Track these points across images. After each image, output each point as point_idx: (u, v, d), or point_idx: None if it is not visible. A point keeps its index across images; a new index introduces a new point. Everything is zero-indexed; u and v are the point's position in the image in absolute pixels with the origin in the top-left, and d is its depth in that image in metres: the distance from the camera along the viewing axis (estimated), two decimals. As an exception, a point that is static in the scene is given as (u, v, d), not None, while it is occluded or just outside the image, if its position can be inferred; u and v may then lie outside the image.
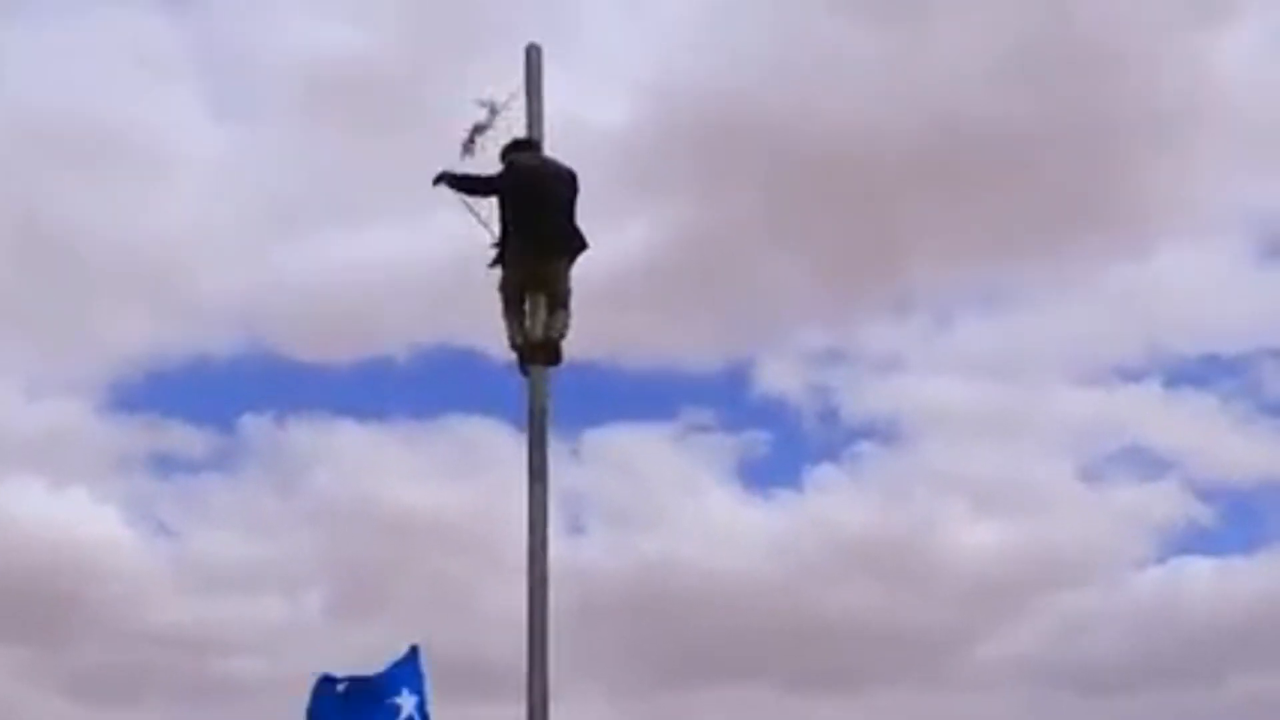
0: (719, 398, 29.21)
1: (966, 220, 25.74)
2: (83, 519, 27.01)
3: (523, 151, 9.53)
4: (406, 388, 28.19)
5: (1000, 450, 28.66)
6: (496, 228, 9.42)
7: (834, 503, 28.51)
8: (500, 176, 9.48)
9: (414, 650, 9.54)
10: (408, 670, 9.45)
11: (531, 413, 9.09)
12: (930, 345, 29.12)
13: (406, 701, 9.32)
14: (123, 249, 26.66)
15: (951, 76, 23.85)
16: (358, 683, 9.42)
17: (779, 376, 28.62)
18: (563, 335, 9.27)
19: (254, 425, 28.25)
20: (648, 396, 28.43)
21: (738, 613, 26.19)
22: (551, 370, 9.24)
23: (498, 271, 9.40)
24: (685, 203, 25.38)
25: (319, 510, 27.62)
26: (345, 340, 26.92)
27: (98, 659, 26.02)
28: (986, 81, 23.86)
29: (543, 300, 9.32)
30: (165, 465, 29.11)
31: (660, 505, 28.79)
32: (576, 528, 27.01)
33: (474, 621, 23.21)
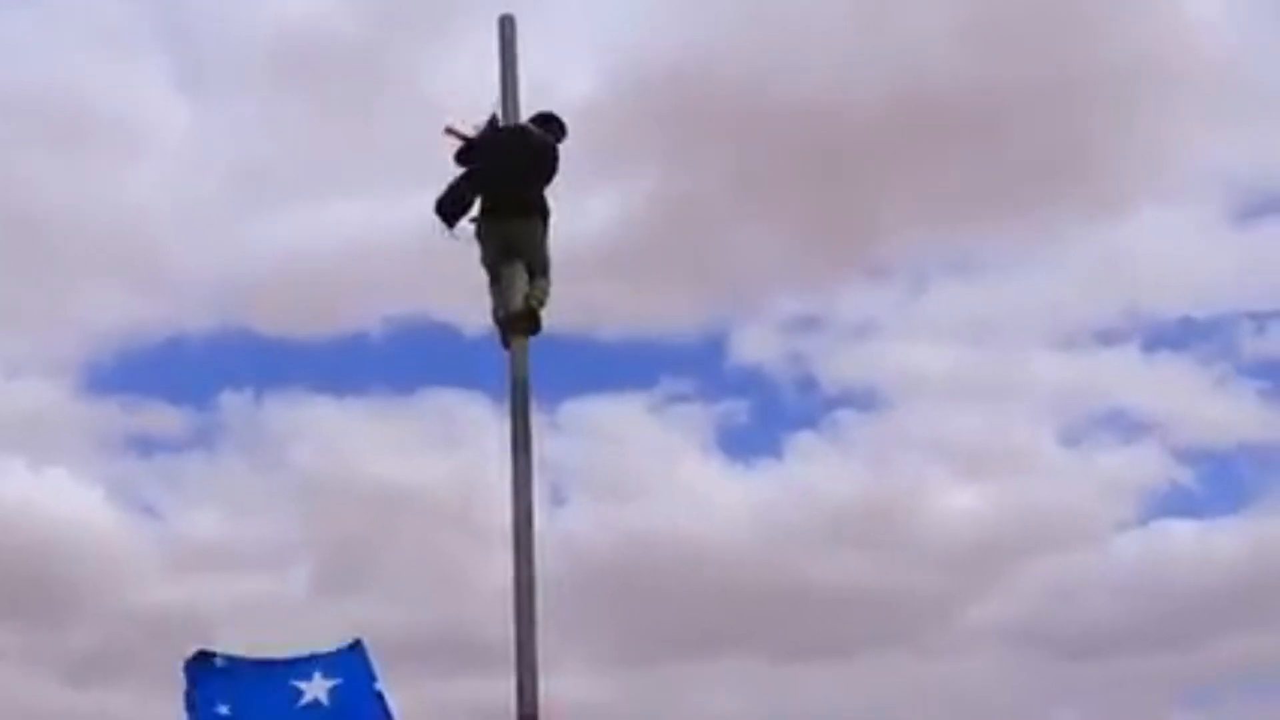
0: (696, 367, 29.21)
1: (939, 185, 25.74)
2: (65, 500, 26.90)
3: (548, 123, 9.49)
4: (382, 362, 28.11)
5: (980, 415, 28.73)
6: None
7: (815, 470, 28.53)
8: (477, 151, 9.43)
9: (356, 643, 9.32)
10: (338, 658, 9.21)
11: (514, 384, 9.00)
12: (906, 311, 29.14)
13: (317, 686, 9.05)
14: (93, 226, 26.53)
15: (920, 39, 23.86)
16: (241, 661, 9.18)
17: (755, 345, 28.63)
18: (542, 303, 9.19)
19: (232, 403, 28.15)
20: (624, 367, 28.41)
21: (722, 583, 26.19)
22: (530, 341, 9.17)
23: (474, 248, 9.33)
24: (656, 172, 25.36)
25: (301, 487, 27.54)
26: (319, 315, 26.82)
27: (85, 640, 25.93)
28: (956, 43, 23.88)
29: (520, 268, 9.24)
30: (145, 445, 28.99)
31: (641, 475, 28.77)
32: (558, 499, 26.95)
33: (460, 594, 23.24)
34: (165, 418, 28.18)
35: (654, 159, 25.17)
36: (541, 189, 9.39)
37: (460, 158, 9.49)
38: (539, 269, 9.32)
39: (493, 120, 9.46)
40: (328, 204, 27.14)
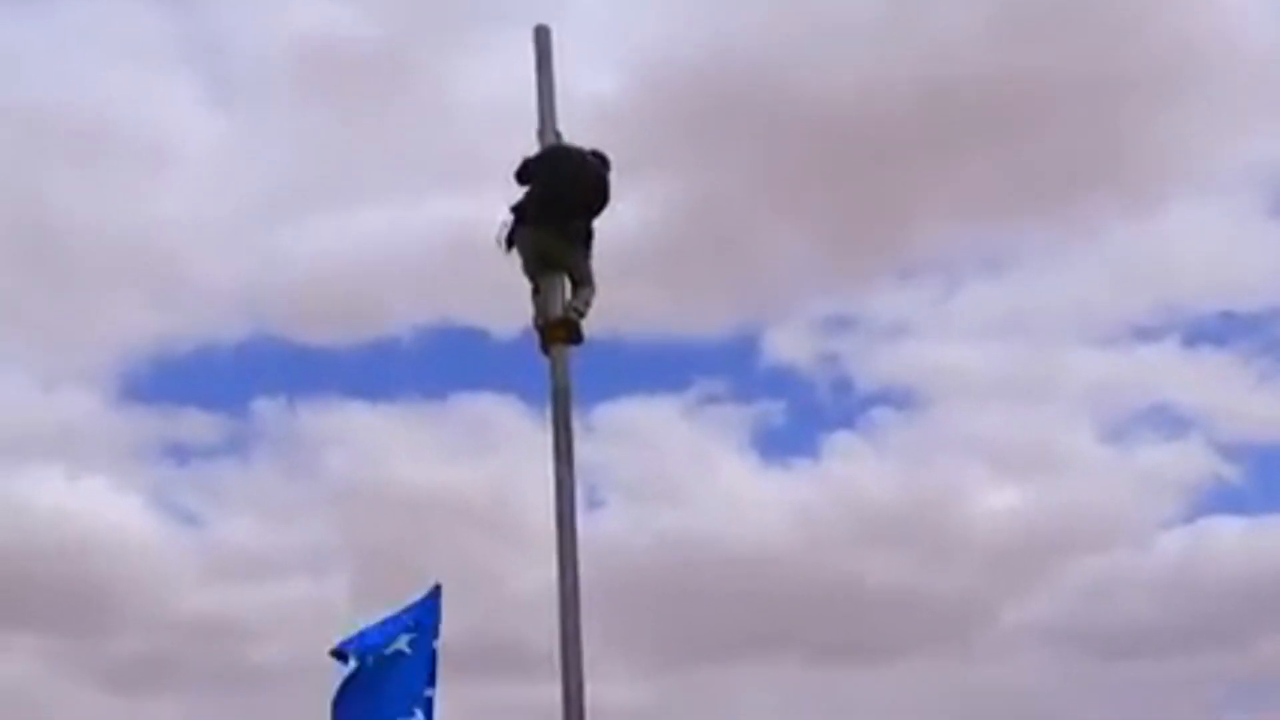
0: (729, 368, 29.13)
1: (970, 182, 25.62)
2: (103, 508, 27.03)
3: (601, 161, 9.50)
4: (413, 367, 28.16)
5: (1018, 413, 28.55)
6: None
7: (853, 470, 28.38)
8: (534, 160, 9.46)
9: (435, 589, 9.58)
10: (415, 607, 9.44)
11: (555, 393, 8.96)
12: (940, 310, 28.99)
13: (402, 638, 9.29)
14: (125, 239, 26.66)
15: (949, 36, 23.71)
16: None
17: (788, 345, 28.52)
18: (583, 313, 9.16)
19: (266, 410, 28.24)
20: (658, 369, 28.36)
21: (761, 584, 26.08)
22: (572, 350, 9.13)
23: (501, 252, 9.31)
24: (685, 173, 25.27)
25: (336, 492, 27.57)
26: (350, 322, 26.89)
27: (127, 648, 26.01)
28: (988, 38, 23.72)
29: (563, 278, 9.22)
30: (181, 453, 29.15)
31: (678, 478, 28.69)
32: (595, 502, 26.90)
33: (498, 599, 23.19)
34: (200, 425, 28.31)
35: (683, 160, 25.11)
36: (591, 220, 9.39)
37: (520, 176, 9.46)
38: (581, 279, 9.29)
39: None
40: (356, 211, 27.23)
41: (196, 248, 27.37)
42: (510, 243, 9.32)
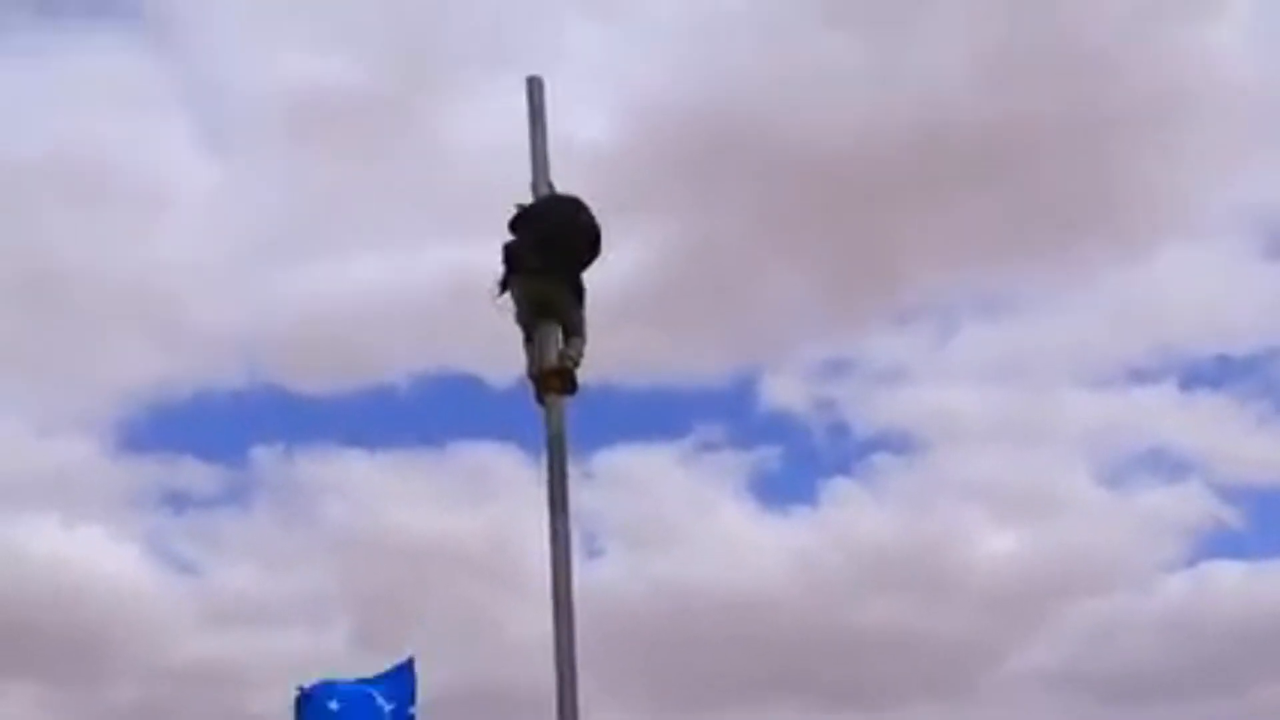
0: (726, 414, 29.09)
1: (964, 226, 25.67)
2: (100, 556, 26.95)
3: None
4: (411, 415, 28.13)
5: (1017, 456, 28.49)
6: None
7: (851, 516, 28.34)
8: (528, 208, 9.46)
9: (409, 662, 9.75)
10: (390, 680, 9.60)
11: (550, 442, 8.92)
12: (936, 353, 29.00)
13: (384, 706, 9.47)
14: (120, 284, 26.68)
15: (941, 82, 23.85)
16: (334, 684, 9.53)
17: (785, 391, 28.50)
18: (577, 364, 9.13)
19: (264, 458, 28.20)
20: (654, 416, 28.32)
21: (760, 630, 26.00)
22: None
23: (505, 301, 9.27)
24: (679, 219, 25.33)
25: (335, 540, 27.50)
26: (347, 368, 26.89)
27: (124, 695, 25.86)
28: (978, 81, 23.87)
29: (556, 328, 9.19)
30: (178, 501, 29.06)
31: (676, 525, 28.63)
32: (593, 550, 26.84)
33: (497, 647, 23.10)
34: (198, 474, 28.28)
35: (678, 203, 25.19)
36: (582, 270, 9.37)
37: (514, 226, 9.43)
38: (573, 329, 9.26)
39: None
40: (352, 257, 27.26)
41: (194, 293, 27.42)
42: (503, 288, 9.28)
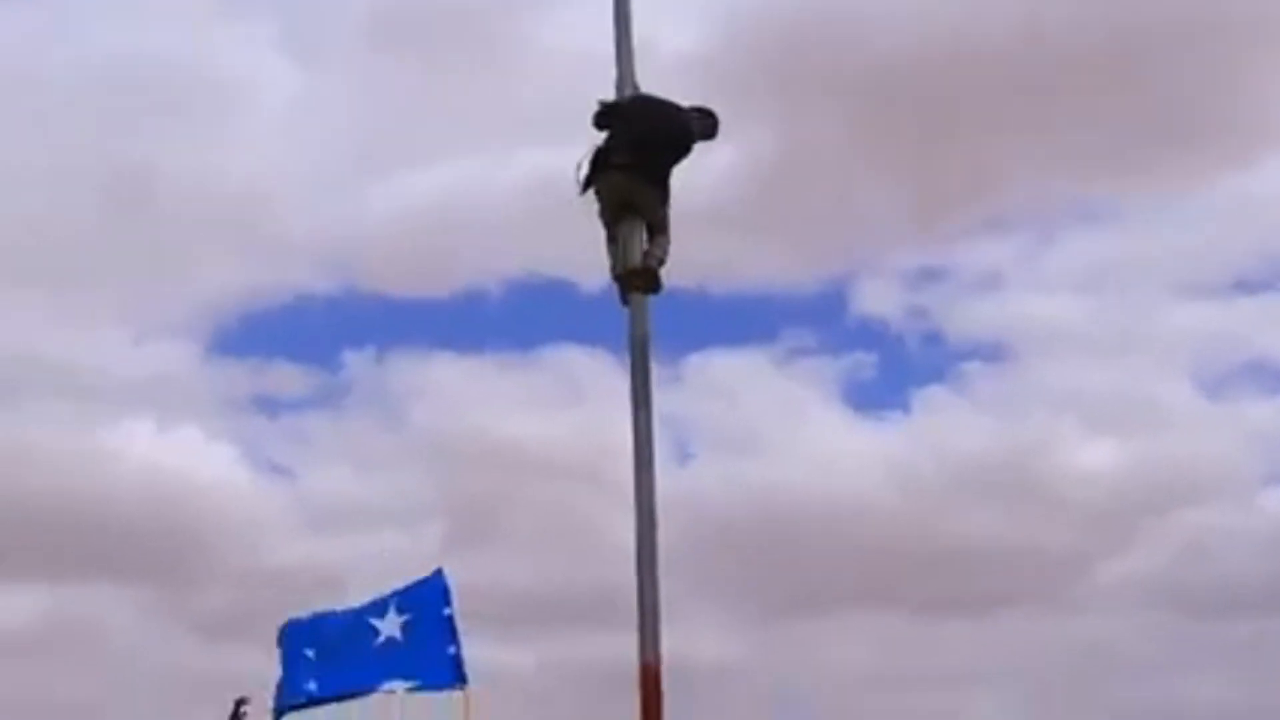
0: (818, 320, 29.02)
1: (1064, 133, 25.20)
2: (196, 460, 27.47)
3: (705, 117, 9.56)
4: (501, 319, 28.31)
5: (1114, 367, 28.19)
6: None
7: (945, 424, 28.20)
8: (615, 106, 9.45)
9: (436, 572, 9.84)
10: (414, 591, 9.73)
11: (633, 341, 9.01)
12: (1033, 262, 28.66)
13: (390, 623, 9.58)
14: (212, 193, 26.96)
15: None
16: (327, 614, 9.72)
17: (877, 298, 28.33)
18: (661, 262, 9.17)
19: (355, 362, 28.53)
20: (746, 321, 28.27)
21: (854, 538, 26.04)
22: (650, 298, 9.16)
23: (590, 201, 9.31)
24: (770, 127, 25.01)
25: (427, 444, 27.82)
26: (437, 273, 27.06)
27: (220, 599, 26.41)
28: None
29: (640, 227, 9.22)
30: (271, 405, 29.50)
31: (768, 429, 28.64)
32: (684, 456, 26.95)
33: (588, 549, 23.34)
34: (291, 378, 28.65)
35: (771, 113, 24.90)
36: (669, 168, 9.36)
37: (599, 122, 9.44)
38: (658, 228, 9.28)
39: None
40: (441, 163, 27.34)
41: (286, 199, 27.67)
42: (588, 185, 9.29)
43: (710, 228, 22.74)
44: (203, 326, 28.85)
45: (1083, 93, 24.20)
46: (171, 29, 27.13)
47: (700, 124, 9.53)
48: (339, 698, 9.69)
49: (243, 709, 10.34)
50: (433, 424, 28.07)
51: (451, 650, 9.68)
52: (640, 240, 9.20)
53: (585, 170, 9.28)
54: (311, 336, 29.09)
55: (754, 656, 25.97)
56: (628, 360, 9.02)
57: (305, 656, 9.58)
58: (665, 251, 9.22)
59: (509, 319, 28.30)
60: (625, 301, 9.12)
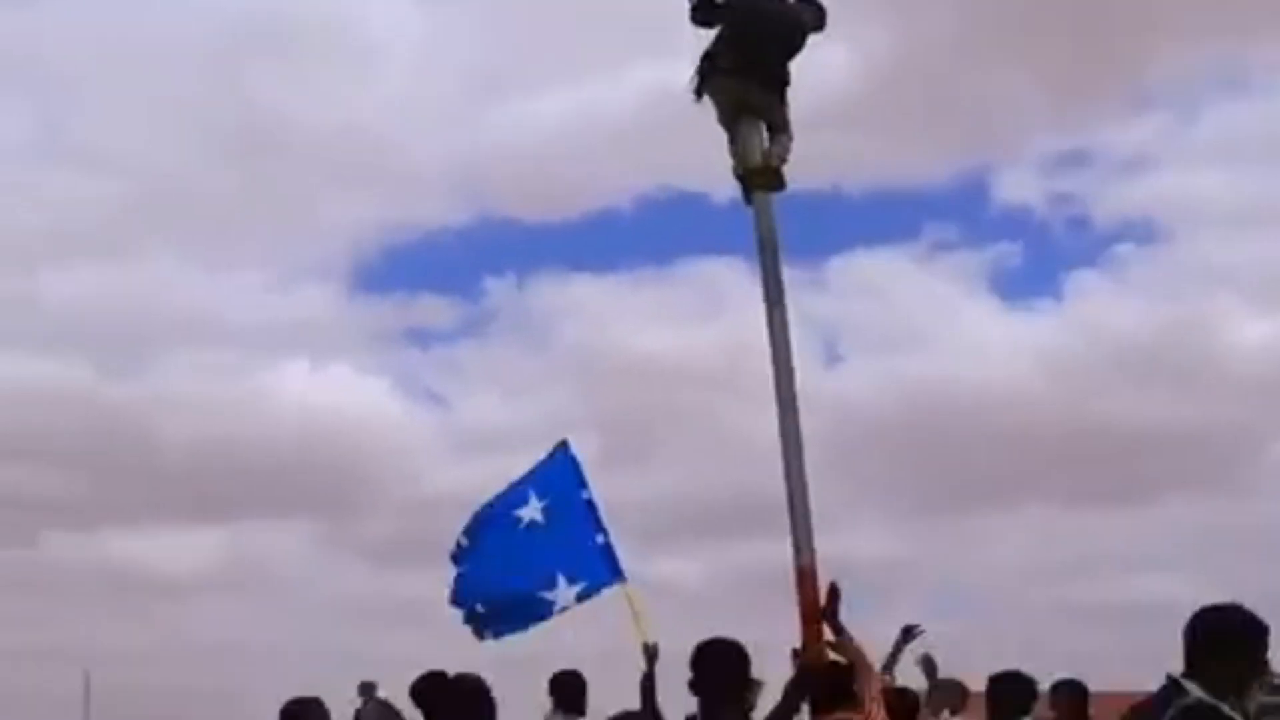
0: (958, 214, 28.85)
1: (1195, 7, 24.40)
2: (350, 395, 28.22)
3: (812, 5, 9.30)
4: (635, 236, 28.43)
5: (1268, 239, 27.49)
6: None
7: (1099, 308, 27.85)
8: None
9: (563, 446, 9.58)
10: (548, 471, 9.48)
11: (760, 241, 8.95)
12: (1178, 139, 28.08)
13: (532, 509, 9.32)
14: (342, 135, 27.49)
15: None
16: (473, 522, 9.52)
17: (1018, 187, 28.04)
18: (784, 160, 9.08)
19: (496, 289, 28.96)
20: (884, 219, 28.15)
21: (1011, 429, 25.81)
22: (776, 196, 9.09)
23: (709, 108, 9.23)
24: (896, 19, 24.73)
25: (572, 364, 28.21)
26: (567, 196, 27.25)
27: (384, 528, 27.04)
28: None
29: (759, 126, 9.11)
30: (420, 337, 30.27)
31: (916, 326, 28.53)
32: (834, 357, 27.02)
33: (740, 457, 23.45)
34: (435, 309, 29.16)
35: (886, 6, 24.53)
36: (783, 64, 9.18)
37: (696, 16, 9.25)
38: (779, 125, 9.16)
39: None
40: (560, 87, 27.40)
41: (410, 136, 28.14)
42: (700, 93, 9.19)
43: (839, 128, 22.62)
44: (344, 265, 29.43)
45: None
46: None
47: (810, 13, 9.37)
48: (511, 609, 9.50)
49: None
50: (577, 343, 28.48)
51: (600, 539, 9.35)
52: (761, 139, 9.10)
53: (695, 77, 9.18)
54: (451, 267, 29.54)
55: (917, 551, 26.01)
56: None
57: (460, 545, 9.52)
58: (787, 149, 9.10)
59: (642, 235, 28.40)
60: (749, 201, 9.06)
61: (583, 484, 9.48)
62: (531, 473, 9.59)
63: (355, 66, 27.85)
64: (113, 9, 28.45)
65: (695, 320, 28.01)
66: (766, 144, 9.12)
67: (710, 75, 9.15)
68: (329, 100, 27.65)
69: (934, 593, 26.14)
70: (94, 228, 28.49)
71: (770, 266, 8.91)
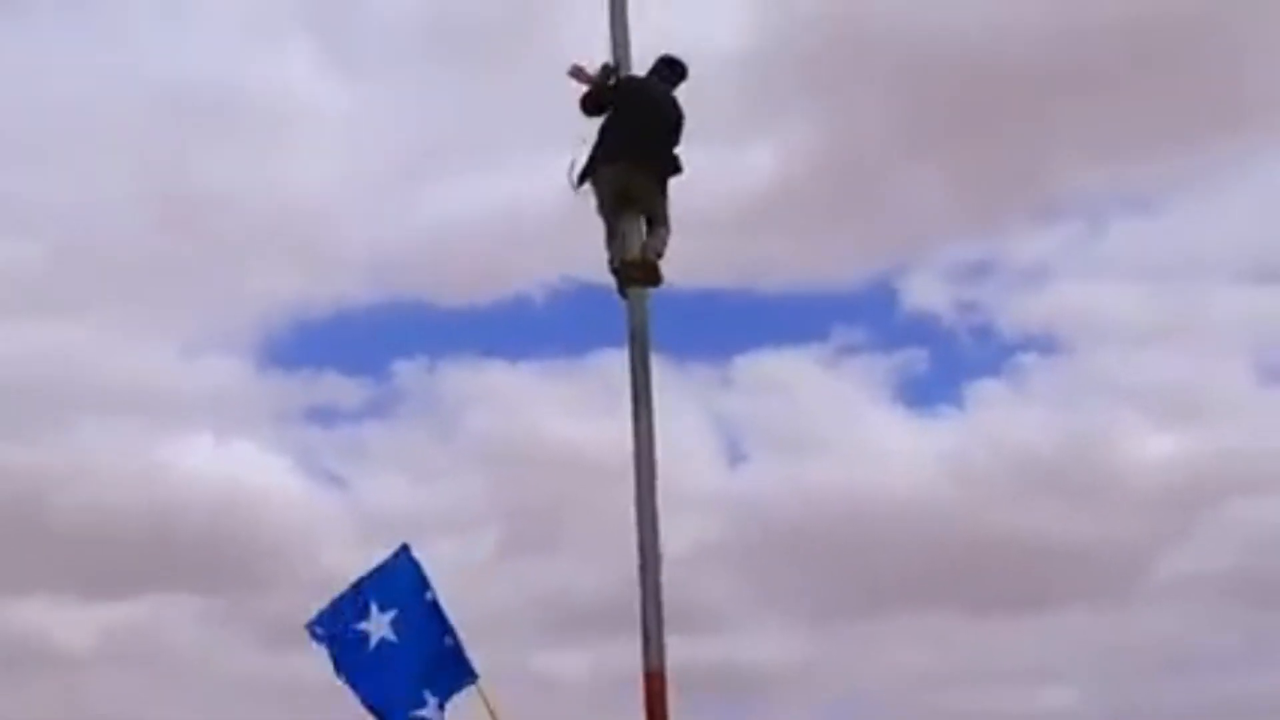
0: (867, 317, 28.71)
1: (1108, 121, 24.75)
2: (253, 472, 27.60)
3: (671, 66, 9.39)
4: (548, 324, 28.24)
5: (1170, 355, 27.66)
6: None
7: (1001, 418, 27.82)
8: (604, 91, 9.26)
9: (402, 549, 9.26)
10: (387, 578, 9.14)
11: (632, 336, 8.84)
12: (1083, 251, 28.19)
13: (377, 624, 9.00)
14: (259, 208, 27.20)
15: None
16: (319, 620, 9.14)
17: (927, 292, 28.01)
18: (659, 254, 9.00)
19: (406, 372, 28.61)
20: (794, 319, 28.03)
21: (912, 536, 25.77)
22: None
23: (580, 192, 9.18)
24: (813, 121, 24.82)
25: (480, 451, 27.84)
26: (483, 282, 27.11)
27: (279, 606, 26.48)
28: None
29: (638, 218, 9.06)
30: (325, 416, 29.61)
31: (821, 428, 28.41)
32: (737, 455, 26.82)
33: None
34: (343, 389, 28.79)
35: (811, 107, 24.70)
36: (672, 147, 9.21)
37: (585, 106, 9.27)
38: (658, 219, 9.11)
39: (605, 68, 9.28)
40: (481, 173, 27.32)
41: (332, 213, 27.85)
42: (583, 180, 9.14)
43: (754, 226, 22.67)
44: (253, 339, 29.12)
45: (1127, 77, 23.88)
46: (216, 51, 27.40)
47: (672, 75, 9.35)
48: None
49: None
50: (485, 431, 28.13)
51: (449, 641, 9.06)
52: (639, 231, 9.04)
53: (577, 165, 9.14)
54: (362, 347, 29.24)
55: (816, 657, 25.81)
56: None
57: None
58: (664, 243, 9.04)
59: (555, 324, 28.29)
60: (624, 295, 8.97)
61: (426, 586, 9.17)
62: (369, 579, 9.24)
63: (279, 138, 27.77)
64: (35, 68, 28.19)
65: (604, 412, 27.81)
66: (644, 236, 9.06)
67: (593, 164, 9.10)
68: (246, 171, 27.55)
69: (834, 698, 25.90)
70: (5, 289, 28.08)
71: (640, 363, 8.82)
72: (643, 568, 8.36)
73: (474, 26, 24.63)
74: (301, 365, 29.54)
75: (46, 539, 26.23)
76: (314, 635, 9.11)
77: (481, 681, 8.99)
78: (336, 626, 9.04)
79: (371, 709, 8.97)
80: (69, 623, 27.27)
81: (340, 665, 9.06)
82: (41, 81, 27.71)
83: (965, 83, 23.34)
